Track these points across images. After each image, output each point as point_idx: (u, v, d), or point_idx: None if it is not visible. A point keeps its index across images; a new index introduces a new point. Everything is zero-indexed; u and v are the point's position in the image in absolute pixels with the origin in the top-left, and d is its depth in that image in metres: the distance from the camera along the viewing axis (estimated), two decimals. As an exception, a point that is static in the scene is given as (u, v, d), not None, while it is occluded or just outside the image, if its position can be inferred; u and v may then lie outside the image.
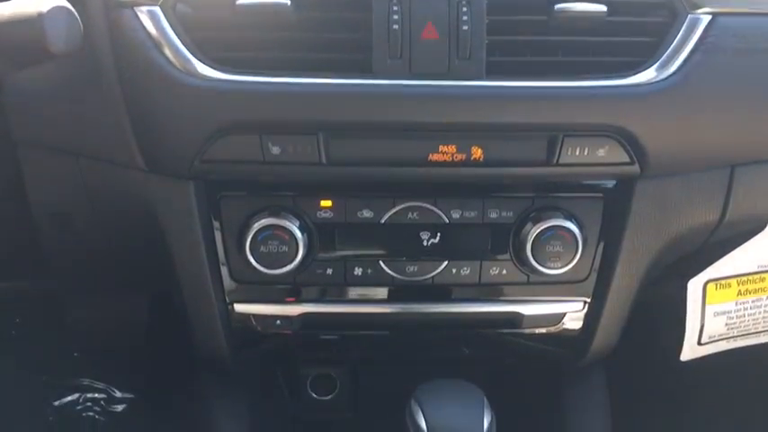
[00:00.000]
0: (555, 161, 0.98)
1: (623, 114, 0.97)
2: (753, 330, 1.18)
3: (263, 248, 1.00)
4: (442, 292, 1.08)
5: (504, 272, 1.06)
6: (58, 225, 1.10)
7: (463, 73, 0.94)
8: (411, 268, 1.06)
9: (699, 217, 1.07)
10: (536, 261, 1.02)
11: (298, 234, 1.00)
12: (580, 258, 1.03)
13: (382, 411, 1.15)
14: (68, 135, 1.01)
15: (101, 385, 1.66)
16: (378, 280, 1.06)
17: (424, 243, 1.04)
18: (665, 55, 0.97)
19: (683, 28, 0.98)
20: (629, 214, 1.04)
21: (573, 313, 1.11)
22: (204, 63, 0.94)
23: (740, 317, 1.16)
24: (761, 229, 1.11)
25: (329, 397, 1.42)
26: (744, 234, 1.12)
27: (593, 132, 0.98)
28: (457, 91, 0.94)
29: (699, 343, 1.16)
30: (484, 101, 0.95)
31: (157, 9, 0.94)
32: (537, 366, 1.31)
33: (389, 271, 1.06)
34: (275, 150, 0.96)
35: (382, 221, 1.03)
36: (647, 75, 0.97)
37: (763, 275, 1.15)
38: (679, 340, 1.16)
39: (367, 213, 1.02)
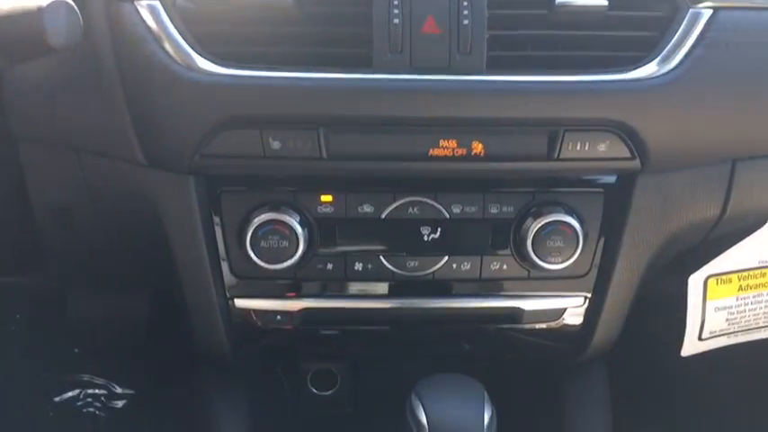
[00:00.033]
0: (556, 156, 0.98)
1: (624, 109, 0.96)
2: (754, 326, 1.18)
3: (263, 243, 1.00)
4: (442, 287, 1.08)
5: (505, 267, 1.06)
6: (59, 221, 1.10)
7: (464, 67, 0.94)
8: (411, 263, 1.06)
9: (700, 212, 1.07)
10: (537, 256, 1.02)
11: (298, 229, 1.00)
12: (581, 253, 1.03)
13: (383, 406, 1.15)
14: (69, 130, 1.00)
15: (101, 381, 1.67)
16: (378, 275, 1.06)
17: (425, 238, 1.04)
18: (667, 49, 0.97)
19: (685, 22, 0.98)
20: (629, 209, 1.04)
21: (573, 308, 1.11)
22: (204, 57, 0.94)
23: (741, 312, 1.16)
24: (762, 224, 1.11)
25: (330, 392, 1.42)
26: (744, 229, 1.11)
27: (594, 127, 0.97)
28: (457, 85, 0.94)
29: (699, 338, 1.16)
30: (484, 95, 0.95)
31: (157, 3, 0.94)
32: (537, 361, 1.31)
33: (390, 266, 1.06)
34: (275, 145, 0.96)
35: (383, 216, 1.03)
36: (649, 69, 0.97)
37: (763, 271, 1.14)
38: (680, 336, 1.16)
39: (367, 208, 1.02)
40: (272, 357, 1.37)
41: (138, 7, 0.94)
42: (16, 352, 1.62)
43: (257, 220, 1.00)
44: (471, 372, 1.04)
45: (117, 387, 1.67)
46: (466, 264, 1.06)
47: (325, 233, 1.03)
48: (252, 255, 1.00)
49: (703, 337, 1.17)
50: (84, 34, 0.87)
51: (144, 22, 0.94)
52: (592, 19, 0.97)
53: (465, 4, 0.92)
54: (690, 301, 1.13)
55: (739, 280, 1.14)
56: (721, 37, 0.98)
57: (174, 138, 0.97)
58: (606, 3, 0.96)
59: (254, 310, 1.09)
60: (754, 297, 1.15)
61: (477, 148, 0.97)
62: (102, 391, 1.67)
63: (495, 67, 0.95)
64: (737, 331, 1.18)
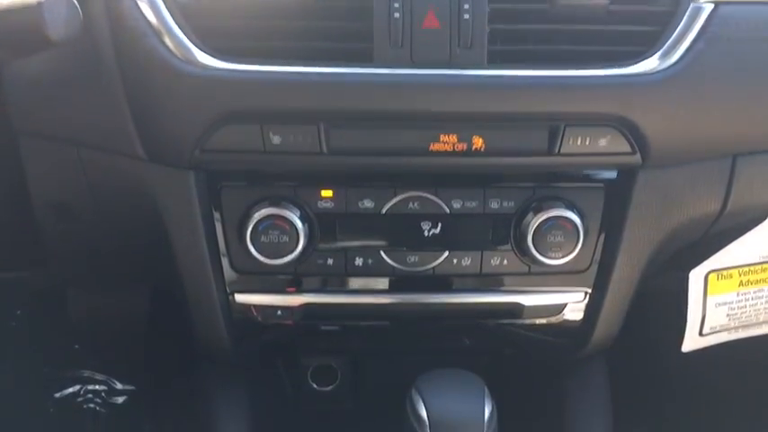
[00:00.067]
0: (556, 151, 0.98)
1: (625, 104, 0.96)
2: (754, 321, 1.18)
3: (263, 238, 1.00)
4: (442, 282, 1.08)
5: (505, 262, 1.06)
6: (59, 216, 1.10)
7: (465, 62, 0.94)
8: (412, 258, 1.05)
9: (700, 207, 1.07)
10: (537, 251, 1.02)
11: (298, 224, 1.00)
12: (581, 249, 1.03)
13: (383, 402, 1.15)
14: (68, 125, 1.00)
15: (101, 377, 1.67)
16: (378, 270, 1.06)
17: (425, 233, 1.04)
18: (668, 44, 0.97)
19: (686, 17, 0.98)
20: (630, 204, 1.04)
21: (574, 304, 1.11)
22: (204, 52, 0.94)
23: (742, 308, 1.16)
24: (762, 219, 1.11)
25: (330, 388, 1.42)
26: (745, 224, 1.11)
27: (595, 122, 0.97)
28: (458, 80, 0.94)
29: (700, 334, 1.16)
30: (485, 90, 0.95)
31: None
32: (538, 356, 1.31)
33: (390, 261, 1.05)
34: (276, 140, 0.96)
35: (383, 212, 1.03)
36: (650, 64, 0.97)
37: (764, 266, 1.14)
38: (680, 331, 1.16)
39: (368, 203, 1.02)
40: (273, 353, 1.37)
41: (138, 1, 0.94)
42: (16, 348, 1.62)
43: (257, 215, 0.99)
44: (471, 367, 1.04)
45: (117, 383, 1.67)
46: (466, 259, 1.06)
47: (325, 228, 1.03)
48: (252, 250, 1.00)
49: (704, 332, 1.16)
50: (84, 29, 0.87)
51: (144, 16, 0.94)
52: (593, 13, 0.97)
53: None
54: (690, 296, 1.13)
55: (740, 275, 1.14)
56: (722, 32, 0.98)
57: (174, 132, 0.97)
58: None
59: (255, 306, 1.08)
60: (754, 292, 1.15)
61: (478, 142, 0.97)
62: (103, 387, 1.67)
63: (495, 61, 0.95)
64: (738, 327, 1.18)
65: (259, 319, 1.09)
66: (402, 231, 1.04)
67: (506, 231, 1.04)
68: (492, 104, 0.95)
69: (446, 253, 1.05)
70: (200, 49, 0.94)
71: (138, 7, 0.94)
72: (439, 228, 1.04)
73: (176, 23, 0.94)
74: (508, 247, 1.05)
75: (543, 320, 1.12)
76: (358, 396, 1.44)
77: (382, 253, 1.05)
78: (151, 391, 1.64)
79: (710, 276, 1.12)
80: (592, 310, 1.11)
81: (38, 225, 1.11)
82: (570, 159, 0.99)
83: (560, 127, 0.97)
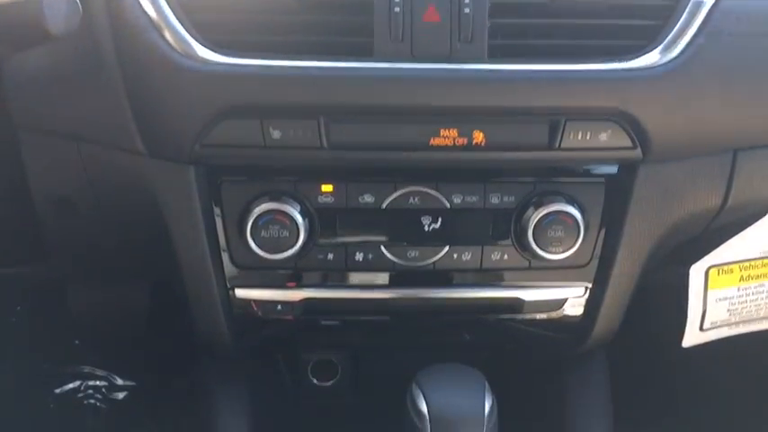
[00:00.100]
0: (557, 145, 0.97)
1: (626, 98, 0.96)
2: (755, 316, 1.18)
3: (263, 233, 1.00)
4: (443, 277, 1.08)
5: (506, 257, 1.06)
6: (60, 211, 1.09)
7: (465, 56, 0.94)
8: (412, 253, 1.05)
9: (701, 202, 1.06)
10: (538, 246, 1.02)
11: (299, 219, 1.00)
12: (582, 243, 1.03)
13: (383, 396, 1.15)
14: (68, 119, 1.00)
15: (102, 373, 1.67)
16: (379, 265, 1.06)
17: (426, 228, 1.04)
18: (668, 38, 0.97)
19: (687, 11, 0.98)
20: (630, 199, 1.03)
21: (574, 299, 1.11)
22: (204, 46, 0.94)
23: (742, 302, 1.16)
24: (763, 214, 1.11)
25: (330, 383, 1.42)
26: (746, 219, 1.11)
27: (596, 116, 0.97)
28: (459, 74, 0.94)
29: (701, 329, 1.16)
30: (486, 84, 0.95)
31: None
32: (538, 351, 1.31)
33: (390, 256, 1.05)
34: (276, 134, 0.95)
35: (383, 206, 1.03)
36: (650, 58, 0.96)
37: (765, 261, 1.14)
38: (681, 326, 1.16)
39: (368, 198, 1.02)
40: (273, 348, 1.37)
41: None
42: (17, 343, 1.62)
43: (258, 210, 0.99)
44: (472, 361, 1.04)
45: (118, 379, 1.67)
46: (466, 254, 1.06)
47: (325, 223, 1.03)
48: (252, 245, 1.00)
49: (704, 327, 1.16)
50: (84, 23, 0.87)
51: (144, 11, 0.94)
52: (594, 7, 0.97)
53: None
54: (691, 291, 1.13)
55: (741, 270, 1.14)
56: (723, 26, 0.98)
57: (174, 127, 0.97)
58: None
59: (255, 301, 1.08)
60: (755, 287, 1.15)
61: (479, 137, 0.97)
62: (103, 383, 1.67)
63: (496, 55, 0.95)
64: (739, 322, 1.18)
65: (259, 313, 1.09)
66: (402, 226, 1.04)
67: (507, 226, 1.04)
68: (492, 99, 0.95)
69: (446, 248, 1.05)
70: (201, 43, 0.94)
71: (138, 2, 0.94)
72: (439, 222, 1.04)
73: (176, 18, 0.94)
74: (508, 241, 1.05)
75: (543, 315, 1.12)
76: (358, 391, 1.44)
77: (382, 248, 1.05)
78: (152, 386, 1.65)
79: (711, 271, 1.12)
80: (592, 304, 1.11)
81: (38, 220, 1.11)
82: (571, 154, 0.99)
83: (561, 121, 0.96)
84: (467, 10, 0.93)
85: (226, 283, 1.07)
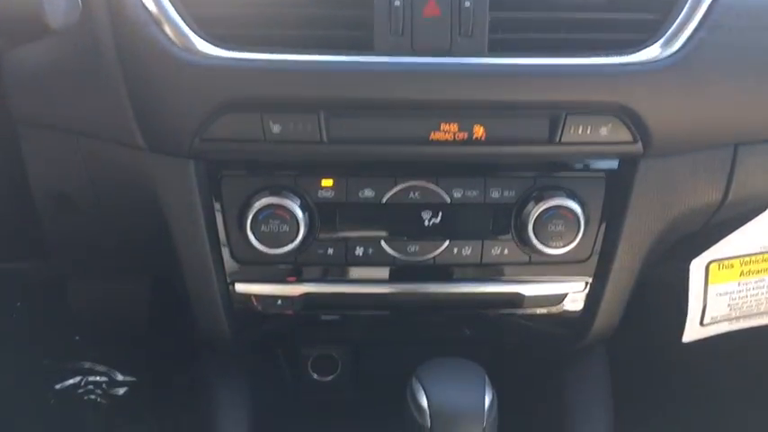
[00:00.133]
0: (557, 140, 0.97)
1: (626, 92, 0.96)
2: (755, 311, 1.18)
3: (263, 228, 1.00)
4: (443, 272, 1.08)
5: (506, 252, 1.06)
6: (59, 206, 1.09)
7: (465, 50, 0.94)
8: (412, 248, 1.05)
9: (701, 197, 1.06)
10: (538, 241, 1.02)
11: (299, 213, 1.00)
12: (582, 238, 1.03)
13: (383, 391, 1.15)
14: (68, 113, 1.00)
15: (102, 368, 1.67)
16: (379, 260, 1.06)
17: (426, 223, 1.04)
18: (669, 32, 0.97)
19: (687, 5, 0.98)
20: (631, 194, 1.03)
21: (574, 294, 1.11)
22: (204, 40, 0.94)
23: (743, 297, 1.16)
24: (763, 209, 1.11)
25: (330, 378, 1.42)
26: (746, 214, 1.11)
27: (596, 111, 0.97)
28: (459, 68, 0.94)
29: (701, 324, 1.16)
30: (486, 78, 0.95)
31: None
32: (538, 346, 1.31)
33: (390, 251, 1.05)
34: (276, 129, 0.95)
35: (383, 201, 1.03)
36: (651, 52, 0.96)
37: (765, 256, 1.14)
38: (681, 322, 1.16)
39: (368, 193, 1.02)
40: (273, 343, 1.37)
41: None
42: (17, 339, 1.62)
43: (258, 205, 0.99)
44: (472, 356, 1.04)
45: (118, 374, 1.68)
46: (467, 249, 1.05)
47: (325, 218, 1.03)
48: (252, 239, 1.00)
49: (705, 322, 1.16)
50: (83, 17, 0.87)
51: (143, 5, 0.94)
52: (594, 1, 0.97)
53: None
54: (691, 286, 1.13)
55: (741, 265, 1.14)
56: (724, 20, 0.98)
57: (173, 121, 0.96)
58: None
59: (255, 295, 1.08)
60: (755, 282, 1.15)
61: (479, 131, 0.97)
62: (104, 379, 1.67)
63: (496, 49, 0.95)
64: (739, 317, 1.18)
65: (259, 308, 1.09)
66: (402, 221, 1.04)
67: (507, 221, 1.04)
68: (493, 93, 0.95)
69: (446, 242, 1.05)
70: (201, 37, 0.94)
71: None
72: (439, 217, 1.04)
73: (176, 12, 0.94)
74: (509, 236, 1.05)
75: (544, 310, 1.12)
76: (358, 386, 1.44)
77: (383, 242, 1.05)
78: (152, 382, 1.65)
79: (712, 266, 1.12)
80: (592, 299, 1.11)
81: (38, 216, 1.11)
82: (571, 148, 0.99)
83: (561, 116, 0.96)
84: (467, 4, 0.92)
85: (226, 277, 1.07)
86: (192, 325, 1.15)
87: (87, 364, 1.67)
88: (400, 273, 1.08)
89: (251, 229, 1.00)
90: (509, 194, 1.03)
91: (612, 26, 0.98)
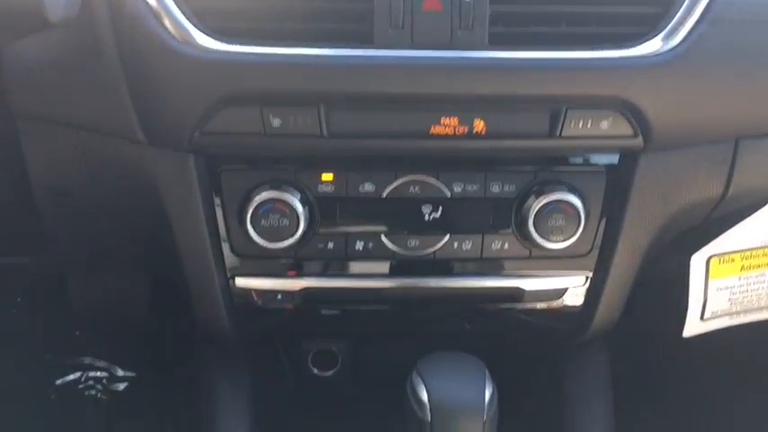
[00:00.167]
0: (558, 134, 0.97)
1: (627, 86, 0.96)
2: (756, 306, 1.18)
3: (263, 222, 0.99)
4: (443, 266, 1.08)
5: (506, 246, 1.06)
6: (59, 201, 1.09)
7: (466, 43, 0.93)
8: (412, 243, 1.05)
9: (702, 191, 1.06)
10: (538, 235, 1.02)
11: (299, 208, 0.99)
12: (582, 232, 1.03)
13: (384, 386, 1.15)
14: (67, 107, 1.00)
15: (103, 364, 1.67)
16: (379, 254, 1.06)
17: (426, 217, 1.04)
18: (670, 26, 0.97)
19: None
20: (631, 188, 1.03)
21: (574, 288, 1.11)
22: (204, 34, 0.93)
23: (743, 292, 1.16)
24: (764, 203, 1.10)
25: (330, 372, 1.42)
26: (746, 209, 1.11)
27: (597, 104, 0.97)
28: (459, 61, 0.93)
29: (701, 318, 1.16)
30: (486, 71, 0.94)
31: None
32: (539, 341, 1.31)
33: (391, 245, 1.05)
34: (276, 123, 0.95)
35: (383, 195, 1.02)
36: (652, 46, 0.96)
37: (766, 251, 1.14)
38: (681, 316, 1.16)
39: (368, 187, 1.02)
40: (274, 338, 1.37)
41: None
42: (18, 335, 1.62)
43: (258, 199, 0.99)
44: (472, 350, 1.04)
45: (118, 370, 1.68)
46: (467, 243, 1.05)
47: (325, 212, 1.03)
48: (252, 233, 1.00)
49: (705, 317, 1.16)
50: (83, 10, 0.87)
51: None
52: None
53: None
54: (692, 280, 1.12)
55: (742, 260, 1.13)
56: (725, 14, 0.97)
57: (173, 115, 0.96)
58: None
59: (255, 290, 1.08)
60: (756, 277, 1.15)
61: (479, 125, 0.96)
62: (104, 374, 1.67)
63: (497, 43, 0.94)
64: (740, 311, 1.17)
65: (259, 303, 1.09)
66: (402, 215, 1.04)
67: (507, 215, 1.04)
68: (493, 86, 0.95)
69: (447, 237, 1.05)
70: (200, 31, 0.93)
71: None
72: (440, 211, 1.04)
73: (176, 5, 0.94)
74: (509, 230, 1.05)
75: (544, 305, 1.12)
76: (358, 381, 1.44)
77: (383, 237, 1.05)
78: (152, 377, 1.65)
79: (712, 260, 1.12)
80: (592, 294, 1.11)
81: (39, 211, 1.11)
82: (571, 142, 0.99)
83: (562, 109, 0.96)
84: None
85: (226, 272, 1.07)
86: (192, 320, 1.15)
87: (88, 360, 1.68)
88: (400, 267, 1.07)
89: (251, 223, 1.00)
90: (509, 189, 1.03)
91: (613, 20, 0.97)
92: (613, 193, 1.04)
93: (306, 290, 1.08)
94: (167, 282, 1.24)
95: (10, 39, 0.93)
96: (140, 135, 0.98)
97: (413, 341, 1.27)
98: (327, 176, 1.01)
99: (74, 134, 1.02)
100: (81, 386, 1.66)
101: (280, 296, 1.08)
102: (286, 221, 0.99)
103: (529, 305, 1.11)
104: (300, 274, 1.07)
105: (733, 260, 1.13)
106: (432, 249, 1.06)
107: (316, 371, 1.42)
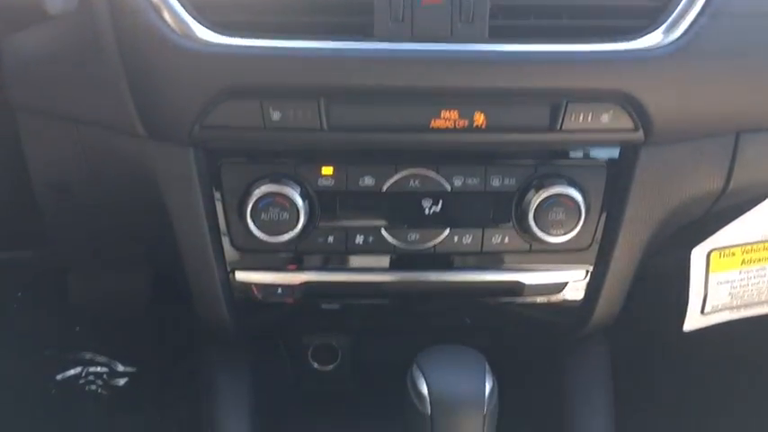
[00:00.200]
0: (558, 127, 0.97)
1: (628, 79, 0.95)
2: (756, 300, 1.18)
3: (263, 216, 0.99)
4: (443, 260, 1.08)
5: (506, 240, 1.05)
6: (59, 196, 1.09)
7: (466, 36, 0.93)
8: (412, 236, 1.05)
9: (703, 184, 1.06)
10: (538, 229, 1.01)
11: (299, 201, 0.99)
12: (583, 226, 1.02)
13: (384, 380, 1.15)
14: (67, 101, 1.00)
15: (103, 359, 1.68)
16: (379, 248, 1.05)
17: (426, 211, 1.04)
18: (671, 19, 0.96)
19: None
20: (632, 181, 1.03)
21: (575, 282, 1.10)
22: (204, 27, 0.93)
23: (744, 286, 1.15)
24: (765, 197, 1.10)
25: (331, 367, 1.42)
26: (747, 202, 1.11)
27: (597, 98, 0.96)
28: (459, 55, 0.93)
29: (702, 312, 1.16)
30: (486, 65, 0.94)
31: None
32: (539, 335, 1.31)
33: (391, 239, 1.05)
34: (276, 116, 0.95)
35: (384, 189, 1.02)
36: (653, 39, 0.96)
37: (767, 245, 1.14)
38: (682, 310, 1.16)
39: (368, 181, 1.02)
40: (274, 332, 1.37)
41: None
42: (18, 330, 1.62)
43: (258, 192, 0.99)
44: (473, 343, 1.04)
45: (119, 365, 1.68)
46: (467, 237, 1.05)
47: (325, 206, 1.02)
48: (252, 227, 1.00)
49: (706, 311, 1.16)
50: (82, 3, 0.86)
51: None
52: None
53: None
54: (692, 274, 1.12)
55: (742, 254, 1.13)
56: (726, 7, 0.97)
57: (173, 109, 0.96)
58: None
59: (255, 284, 1.08)
60: (757, 271, 1.15)
61: (479, 119, 0.96)
62: (104, 369, 1.68)
63: (497, 36, 0.94)
64: (740, 306, 1.17)
65: (260, 297, 1.09)
66: (403, 209, 1.04)
67: (508, 209, 1.04)
68: (493, 80, 0.95)
69: (447, 231, 1.05)
70: (200, 23, 0.93)
71: None
72: (440, 205, 1.04)
73: None
74: (509, 224, 1.05)
75: (544, 299, 1.12)
76: (359, 375, 1.44)
77: (383, 231, 1.05)
78: (153, 372, 1.65)
79: (713, 254, 1.12)
80: (593, 288, 1.11)
81: (39, 206, 1.10)
82: (572, 136, 0.99)
83: (562, 103, 0.96)
84: None
85: (226, 266, 1.07)
86: (192, 315, 1.15)
87: (88, 355, 1.68)
88: (400, 261, 1.07)
89: (251, 217, 0.99)
90: (510, 182, 1.03)
91: (614, 12, 0.97)
92: (614, 186, 1.04)
93: (306, 284, 1.08)
94: (167, 277, 1.24)
95: (9, 30, 0.93)
96: (140, 129, 0.98)
97: (413, 335, 1.27)
98: (327, 170, 1.01)
99: (74, 129, 1.01)
100: (81, 381, 1.66)
101: (280, 290, 1.08)
102: (286, 215, 0.99)
103: (529, 299, 1.11)
104: (300, 268, 1.07)
105: (733, 254, 1.13)
106: (432, 243, 1.05)
107: (316, 365, 1.42)
